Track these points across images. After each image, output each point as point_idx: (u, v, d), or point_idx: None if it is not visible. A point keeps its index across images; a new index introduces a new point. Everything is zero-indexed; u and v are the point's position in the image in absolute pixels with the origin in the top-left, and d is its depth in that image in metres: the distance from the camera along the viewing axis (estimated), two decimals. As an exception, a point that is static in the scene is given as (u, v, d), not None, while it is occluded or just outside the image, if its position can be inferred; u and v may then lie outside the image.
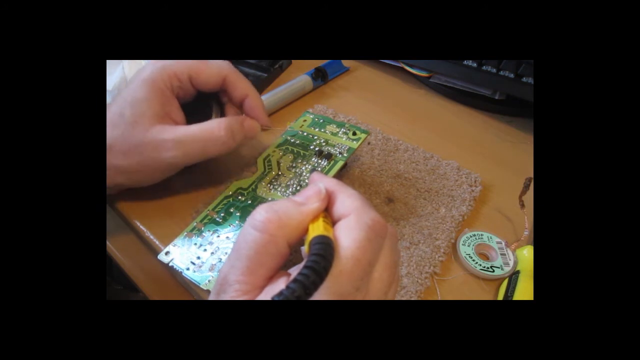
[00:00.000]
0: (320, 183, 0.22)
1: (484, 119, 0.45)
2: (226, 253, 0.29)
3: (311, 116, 0.38)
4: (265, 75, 0.47)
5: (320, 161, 0.34)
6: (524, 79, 0.42)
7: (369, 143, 0.40)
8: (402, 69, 0.49)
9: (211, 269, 0.29)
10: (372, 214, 0.21)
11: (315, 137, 0.36)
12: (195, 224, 0.31)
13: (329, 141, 0.35)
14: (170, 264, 0.29)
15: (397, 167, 0.38)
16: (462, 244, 0.32)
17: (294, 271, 0.23)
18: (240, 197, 0.33)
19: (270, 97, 0.43)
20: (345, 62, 0.51)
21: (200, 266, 0.29)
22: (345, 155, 0.34)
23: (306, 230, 0.21)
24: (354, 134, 0.35)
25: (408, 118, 0.45)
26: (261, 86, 0.47)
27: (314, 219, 0.21)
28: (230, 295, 0.20)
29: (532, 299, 0.28)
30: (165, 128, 0.30)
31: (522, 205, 0.33)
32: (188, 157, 0.30)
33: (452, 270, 0.31)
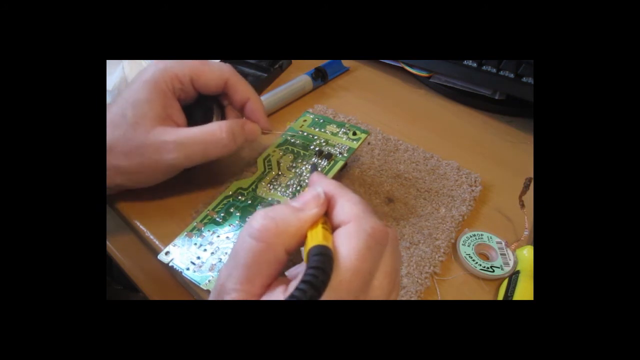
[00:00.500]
0: (319, 187, 0.22)
1: (484, 119, 0.45)
2: (226, 253, 0.29)
3: (311, 116, 0.38)
4: (265, 75, 0.47)
5: (320, 161, 0.34)
6: (524, 79, 0.42)
7: (369, 143, 0.40)
8: (402, 69, 0.49)
9: (211, 269, 0.29)
10: (372, 221, 0.20)
11: (316, 137, 0.36)
12: (195, 224, 0.31)
13: (329, 141, 0.35)
14: (170, 264, 0.29)
15: (397, 167, 0.38)
16: (462, 244, 0.32)
17: (293, 273, 0.23)
18: (240, 197, 0.33)
19: (270, 97, 0.43)
20: (345, 62, 0.51)
21: (200, 266, 0.29)
22: (345, 155, 0.34)
23: (304, 237, 0.20)
24: (354, 134, 0.35)
25: (408, 118, 0.45)
26: (261, 86, 0.47)
27: (313, 225, 0.20)
28: None
29: (532, 299, 0.28)
30: (167, 130, 0.30)
31: (522, 205, 0.33)
32: (189, 159, 0.30)
33: (452, 270, 0.31)
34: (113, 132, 0.30)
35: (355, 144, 0.35)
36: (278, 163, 0.35)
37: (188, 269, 0.29)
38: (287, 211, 0.20)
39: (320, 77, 0.47)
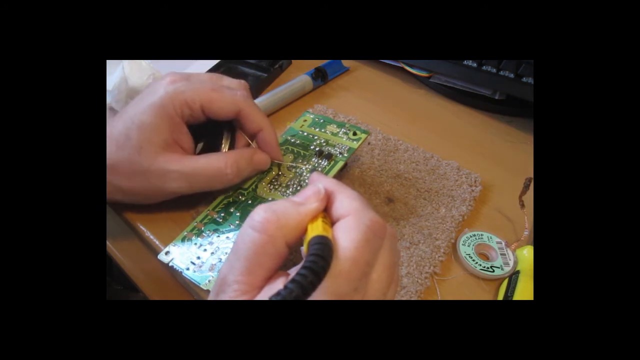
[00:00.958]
0: (320, 183, 0.22)
1: (484, 119, 0.45)
2: (226, 253, 0.29)
3: (311, 116, 0.38)
4: (265, 75, 0.47)
5: (320, 161, 0.34)
6: (524, 79, 0.42)
7: (369, 143, 0.40)
8: (402, 69, 0.49)
9: (211, 269, 0.29)
10: (370, 214, 0.21)
11: (316, 137, 0.36)
12: (195, 224, 0.31)
13: (329, 141, 0.35)
14: (170, 264, 0.29)
15: (397, 167, 0.38)
16: (462, 244, 0.32)
17: (294, 271, 0.23)
18: (240, 197, 0.33)
19: (270, 97, 0.43)
20: (345, 62, 0.51)
21: (200, 266, 0.29)
22: (345, 155, 0.34)
23: (305, 231, 0.21)
24: (354, 134, 0.35)
25: (408, 118, 0.45)
26: (261, 86, 0.47)
27: (313, 219, 0.21)
28: (229, 295, 0.20)
29: (532, 299, 0.28)
30: (173, 158, 0.30)
31: (522, 205, 0.33)
32: (192, 189, 0.31)
33: (452, 270, 0.31)
34: (117, 152, 0.29)
35: (355, 144, 0.35)
36: (278, 163, 0.35)
37: (188, 269, 0.29)
38: (288, 205, 0.21)
39: (320, 77, 0.47)
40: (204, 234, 0.31)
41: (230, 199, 0.33)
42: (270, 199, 0.32)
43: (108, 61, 0.41)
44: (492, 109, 0.46)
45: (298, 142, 0.36)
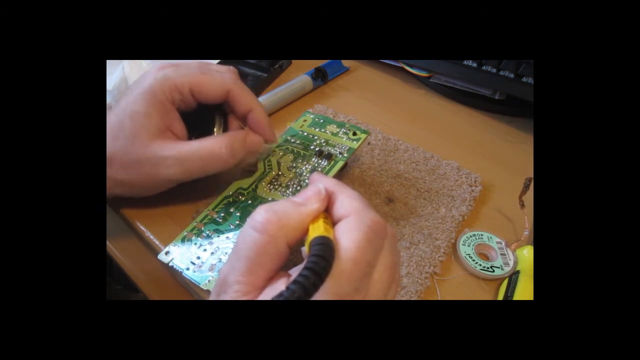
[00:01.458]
0: (320, 183, 0.22)
1: (484, 119, 0.45)
2: (226, 253, 0.29)
3: (311, 116, 0.38)
4: (265, 75, 0.47)
5: (320, 161, 0.34)
6: (524, 79, 0.42)
7: (369, 143, 0.40)
8: (402, 69, 0.49)
9: (211, 269, 0.29)
10: (371, 214, 0.21)
11: (316, 137, 0.36)
12: (195, 224, 0.31)
13: (329, 141, 0.35)
14: (170, 264, 0.29)
15: (397, 167, 0.38)
16: (462, 244, 0.32)
17: (295, 272, 0.23)
18: (240, 197, 0.33)
19: (270, 97, 0.43)
20: (345, 62, 0.51)
21: (200, 266, 0.29)
22: (345, 155, 0.34)
23: (306, 231, 0.21)
24: (354, 134, 0.35)
25: (408, 118, 0.45)
26: (261, 86, 0.47)
27: (314, 219, 0.21)
28: (230, 295, 0.20)
29: (532, 299, 0.28)
30: (166, 144, 0.30)
31: (522, 205, 0.33)
32: (188, 174, 0.30)
33: (452, 270, 0.31)
34: (112, 143, 0.29)
35: (355, 144, 0.35)
36: (278, 163, 0.35)
37: (188, 269, 0.29)
38: (289, 205, 0.21)
39: (320, 77, 0.47)
40: (204, 234, 0.31)
41: (230, 199, 0.33)
42: (270, 199, 0.32)
43: (108, 61, 0.41)
44: (492, 109, 0.46)
45: (298, 142, 0.36)
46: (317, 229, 0.20)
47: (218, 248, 0.30)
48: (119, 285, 0.59)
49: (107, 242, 0.43)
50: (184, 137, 0.32)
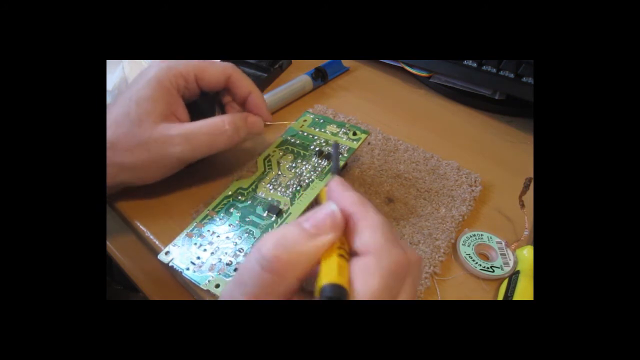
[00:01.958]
0: (334, 205, 0.20)
1: (484, 119, 0.45)
2: (226, 253, 0.29)
3: (311, 116, 0.38)
4: (265, 75, 0.47)
5: (320, 161, 0.34)
6: (524, 79, 0.42)
7: (369, 143, 0.40)
8: (402, 69, 0.49)
9: (211, 269, 0.29)
10: (394, 254, 0.19)
11: (316, 137, 0.36)
12: (195, 224, 0.31)
13: (329, 141, 0.35)
14: (170, 264, 0.29)
15: (397, 167, 0.38)
16: (462, 244, 0.32)
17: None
18: (240, 197, 0.33)
19: (270, 97, 0.43)
20: (345, 62, 0.51)
21: (200, 266, 0.29)
22: (345, 155, 0.34)
23: (318, 262, 0.19)
24: (354, 134, 0.35)
25: (408, 118, 0.45)
26: (261, 86, 0.47)
27: (328, 251, 0.19)
28: None
29: (532, 299, 0.28)
30: (172, 125, 0.31)
31: (522, 205, 0.33)
32: (196, 151, 0.31)
33: (452, 270, 0.31)
34: (116, 130, 0.30)
35: (355, 144, 0.35)
36: (278, 163, 0.35)
37: (188, 269, 0.29)
38: (300, 239, 0.19)
39: (320, 77, 0.47)
40: (204, 234, 0.31)
41: (230, 199, 0.33)
42: (270, 199, 0.32)
43: (108, 61, 0.41)
44: (492, 109, 0.46)
45: (298, 142, 0.36)
46: (330, 271, 0.18)
47: (218, 248, 0.30)
48: (119, 285, 0.59)
49: (107, 242, 0.43)
50: (188, 122, 0.33)
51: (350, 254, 0.19)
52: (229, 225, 0.31)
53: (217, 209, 0.32)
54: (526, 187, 0.33)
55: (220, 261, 0.29)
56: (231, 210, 0.32)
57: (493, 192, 0.37)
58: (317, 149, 0.35)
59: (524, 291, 0.29)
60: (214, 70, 0.33)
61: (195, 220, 0.32)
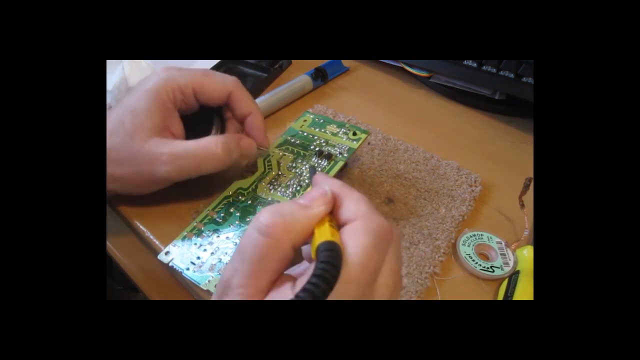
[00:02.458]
0: (326, 185, 0.22)
1: (484, 119, 0.45)
2: (226, 253, 0.29)
3: (311, 116, 0.38)
4: (265, 75, 0.47)
5: (320, 161, 0.34)
6: (524, 79, 0.42)
7: (369, 143, 0.40)
8: (402, 69, 0.49)
9: (211, 269, 0.29)
10: (378, 219, 0.20)
11: (316, 137, 0.36)
12: (195, 224, 0.31)
13: (329, 141, 0.35)
14: (170, 264, 0.29)
15: (397, 167, 0.38)
16: (462, 244, 0.32)
17: (295, 269, 0.23)
18: (240, 197, 0.33)
19: (270, 97, 0.43)
20: (345, 62, 0.51)
21: (200, 266, 0.29)
22: (345, 155, 0.34)
23: (311, 234, 0.20)
24: (354, 134, 0.35)
25: (408, 118, 0.45)
26: (261, 86, 0.47)
27: (320, 222, 0.21)
28: (234, 298, 0.19)
29: (532, 299, 0.28)
30: (162, 141, 0.30)
31: (522, 205, 0.33)
32: (182, 172, 0.30)
33: (452, 270, 0.31)
34: (110, 139, 0.30)
35: (355, 144, 0.35)
36: (278, 163, 0.35)
37: (188, 269, 0.29)
38: (294, 208, 0.21)
39: (320, 77, 0.47)
40: (204, 234, 0.31)
41: (230, 199, 0.33)
42: (270, 199, 0.32)
43: (108, 61, 0.41)
44: (492, 109, 0.46)
45: (298, 142, 0.36)
46: (324, 233, 0.20)
47: (218, 248, 0.30)
48: (119, 285, 0.59)
49: (107, 242, 0.43)
50: (182, 137, 0.32)
51: (338, 228, 0.21)
52: (229, 225, 0.31)
53: (217, 209, 0.32)
54: (526, 187, 0.33)
55: (220, 261, 0.29)
56: (231, 210, 0.32)
57: (493, 192, 0.37)
58: (317, 149, 0.35)
59: (524, 291, 0.29)
60: (214, 86, 0.32)
61: (195, 220, 0.32)
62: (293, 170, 0.34)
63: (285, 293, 0.19)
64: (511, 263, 0.31)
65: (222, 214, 0.32)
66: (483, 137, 0.43)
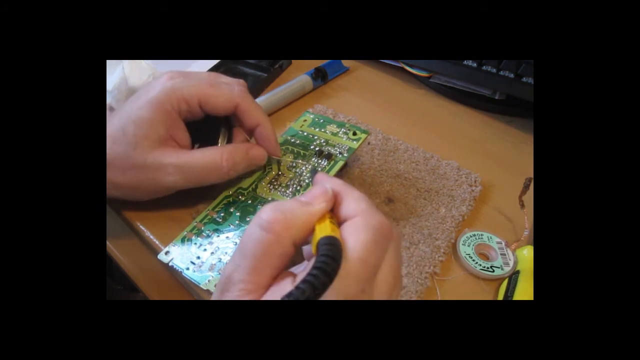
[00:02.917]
0: (327, 184, 0.22)
1: (484, 119, 0.45)
2: (226, 253, 0.29)
3: (311, 116, 0.38)
4: (265, 75, 0.47)
5: (320, 161, 0.34)
6: (524, 79, 0.42)
7: (369, 143, 0.40)
8: (402, 69, 0.49)
9: (211, 268, 0.29)
10: (378, 216, 0.21)
11: (316, 137, 0.36)
12: (195, 224, 0.31)
13: (329, 141, 0.35)
14: (170, 264, 0.29)
15: (397, 167, 0.38)
16: (462, 244, 0.32)
17: (296, 269, 0.23)
18: (240, 197, 0.33)
19: (270, 97, 0.43)
20: (345, 62, 0.51)
21: (200, 266, 0.29)
22: (345, 155, 0.34)
23: (312, 231, 0.21)
24: (354, 134, 0.35)
25: (408, 118, 0.45)
26: (261, 86, 0.47)
27: (321, 219, 0.21)
28: (235, 294, 0.20)
29: (532, 299, 0.28)
30: (168, 152, 0.30)
31: (522, 205, 0.33)
32: (188, 182, 0.30)
33: (452, 270, 0.31)
34: (112, 147, 0.29)
35: (355, 144, 0.35)
36: (278, 163, 0.35)
37: (188, 268, 0.29)
38: (295, 205, 0.21)
39: (320, 77, 0.47)
40: (204, 234, 0.31)
41: (230, 199, 0.33)
42: (270, 198, 0.32)
43: (108, 61, 0.41)
44: (492, 109, 0.46)
45: (298, 142, 0.36)
46: (325, 229, 0.20)
47: (218, 248, 0.30)
48: (119, 285, 0.59)
49: (108, 242, 0.43)
50: (187, 146, 0.32)
51: (339, 226, 0.21)
52: (229, 225, 0.31)
53: (217, 209, 0.32)
54: (526, 187, 0.33)
55: (220, 261, 0.29)
56: (231, 209, 0.32)
57: (493, 192, 0.37)
58: (317, 148, 0.35)
59: (524, 291, 0.29)
60: (220, 97, 0.31)
61: (195, 220, 0.32)
62: (293, 170, 0.34)
63: (285, 288, 0.19)
64: (511, 263, 0.31)
65: (222, 214, 0.32)
66: (483, 137, 0.43)
